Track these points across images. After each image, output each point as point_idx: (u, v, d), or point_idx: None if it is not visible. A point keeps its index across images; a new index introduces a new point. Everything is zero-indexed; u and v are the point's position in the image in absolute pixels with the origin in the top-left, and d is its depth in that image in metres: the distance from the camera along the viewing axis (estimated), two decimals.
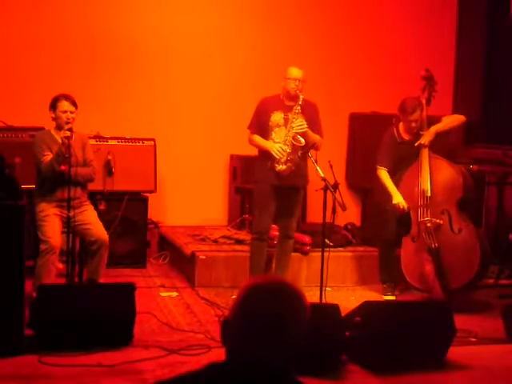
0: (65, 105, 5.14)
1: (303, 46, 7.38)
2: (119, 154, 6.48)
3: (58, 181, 5.10)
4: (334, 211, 5.07)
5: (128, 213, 6.49)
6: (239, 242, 6.48)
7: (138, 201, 6.60)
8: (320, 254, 5.08)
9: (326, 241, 5.26)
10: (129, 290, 4.49)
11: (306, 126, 5.36)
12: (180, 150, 7.27)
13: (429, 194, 5.56)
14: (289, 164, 5.38)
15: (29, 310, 4.48)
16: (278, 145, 5.39)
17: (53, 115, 5.19)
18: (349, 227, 6.89)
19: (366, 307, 4.37)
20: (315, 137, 5.44)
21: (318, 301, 4.96)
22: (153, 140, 6.69)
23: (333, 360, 4.19)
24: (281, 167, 5.37)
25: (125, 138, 6.59)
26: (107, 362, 4.06)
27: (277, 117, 5.45)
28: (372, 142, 6.23)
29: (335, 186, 5.09)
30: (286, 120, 5.42)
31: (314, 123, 5.48)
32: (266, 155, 5.44)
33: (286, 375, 1.66)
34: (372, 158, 5.93)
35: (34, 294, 4.73)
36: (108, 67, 7.08)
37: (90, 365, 4.01)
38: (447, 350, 4.38)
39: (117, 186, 6.44)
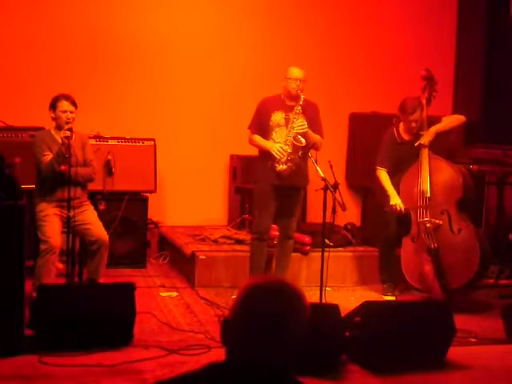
0: (65, 105, 5.14)
1: (303, 46, 7.38)
2: (119, 154, 6.48)
3: (58, 181, 5.10)
4: (334, 211, 5.08)
5: (128, 213, 6.49)
6: (239, 242, 6.48)
7: (138, 201, 6.60)
8: (320, 253, 5.08)
9: (326, 241, 5.26)
10: (129, 289, 4.49)
11: (306, 126, 5.36)
12: (180, 150, 7.27)
13: (428, 195, 5.56)
14: (289, 164, 5.38)
15: (29, 310, 4.47)
16: (278, 145, 5.39)
17: (53, 115, 5.19)
18: (349, 227, 6.89)
19: (366, 307, 4.37)
20: (316, 137, 5.44)
21: (318, 301, 4.96)
22: (153, 140, 6.69)
23: (333, 360, 4.19)
24: (281, 167, 5.38)
25: (125, 138, 6.59)
26: (107, 361, 4.06)
27: (277, 117, 5.45)
28: (372, 141, 6.23)
29: (335, 186, 5.09)
30: (287, 120, 5.42)
31: (314, 123, 5.48)
32: (266, 155, 5.44)
33: (286, 375, 1.66)
34: (372, 158, 5.93)
35: (34, 294, 4.73)
36: (108, 67, 7.08)
37: (89, 365, 4.01)
38: (447, 350, 4.38)
39: (117, 186, 6.44)
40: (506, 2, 7.53)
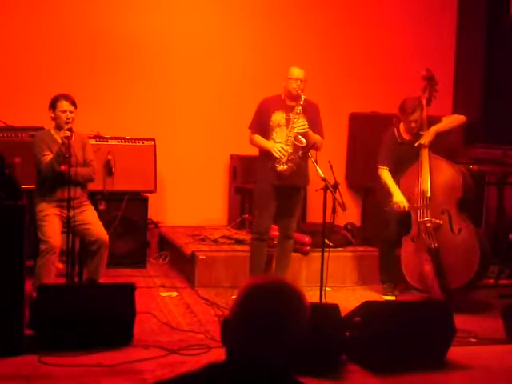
0: (64, 105, 5.14)
1: (303, 46, 7.38)
2: (119, 154, 6.48)
3: (58, 181, 5.10)
4: (334, 211, 5.08)
5: (128, 213, 6.48)
6: (239, 242, 6.48)
7: (138, 201, 6.60)
8: (320, 254, 5.08)
9: (326, 241, 5.26)
10: (129, 290, 4.49)
11: (307, 126, 5.36)
12: (180, 150, 7.27)
13: (429, 195, 5.56)
14: (290, 164, 5.38)
15: (29, 310, 4.47)
16: (278, 145, 5.39)
17: (52, 115, 5.19)
18: (349, 227, 6.89)
19: (366, 307, 4.37)
20: (316, 137, 5.44)
21: (318, 301, 4.96)
22: (153, 140, 6.69)
23: (333, 360, 4.19)
24: (282, 167, 5.37)
25: (125, 138, 6.59)
26: (107, 361, 4.06)
27: (278, 117, 5.45)
28: (372, 141, 6.23)
29: (335, 186, 5.09)
30: (288, 120, 5.42)
31: (314, 123, 5.48)
32: (266, 155, 5.44)
33: (286, 375, 1.66)
34: (372, 158, 5.94)
35: (34, 294, 4.73)
36: (108, 67, 7.08)
37: (89, 365, 4.01)
38: (447, 350, 4.38)
39: (117, 186, 6.44)
40: (506, 2, 7.52)
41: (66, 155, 4.98)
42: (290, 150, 5.36)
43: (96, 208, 5.66)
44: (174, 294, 5.77)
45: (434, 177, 5.60)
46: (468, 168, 6.12)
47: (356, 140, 7.30)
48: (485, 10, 7.66)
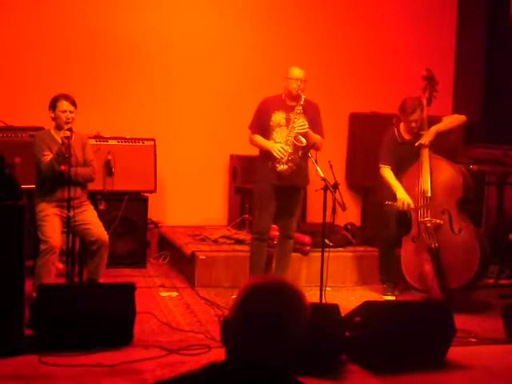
0: (64, 104, 5.14)
1: (303, 46, 7.38)
2: (119, 154, 6.48)
3: (58, 181, 5.10)
4: (334, 211, 5.08)
5: (128, 213, 6.48)
6: (239, 242, 6.48)
7: (138, 201, 6.60)
8: (320, 254, 5.07)
9: (326, 241, 5.26)
10: (129, 290, 4.49)
11: (307, 126, 5.36)
12: (180, 150, 7.27)
13: (429, 195, 5.56)
14: (290, 164, 5.38)
15: (29, 310, 4.47)
16: (279, 145, 5.39)
17: (52, 115, 5.19)
18: (349, 227, 6.89)
19: (366, 307, 4.37)
20: (316, 137, 5.44)
21: (318, 301, 4.96)
22: (153, 140, 6.69)
23: (333, 360, 4.19)
24: (282, 167, 5.37)
25: (125, 138, 6.59)
26: (107, 361, 4.06)
27: (278, 117, 5.45)
28: (372, 142, 6.23)
29: (335, 186, 5.09)
30: (288, 120, 5.42)
31: (315, 123, 5.48)
32: (266, 155, 5.44)
33: (286, 375, 1.66)
34: (372, 158, 5.93)
35: (34, 294, 4.73)
36: (108, 67, 7.08)
37: (90, 365, 4.01)
38: (447, 350, 4.38)
39: (117, 186, 6.44)
40: (506, 2, 7.53)
41: (66, 155, 4.97)
42: (290, 150, 5.36)
43: (96, 208, 5.66)
44: (174, 294, 5.77)
45: (434, 177, 5.60)
46: (468, 168, 6.12)
47: (356, 140, 7.30)
48: (485, 10, 7.66)
